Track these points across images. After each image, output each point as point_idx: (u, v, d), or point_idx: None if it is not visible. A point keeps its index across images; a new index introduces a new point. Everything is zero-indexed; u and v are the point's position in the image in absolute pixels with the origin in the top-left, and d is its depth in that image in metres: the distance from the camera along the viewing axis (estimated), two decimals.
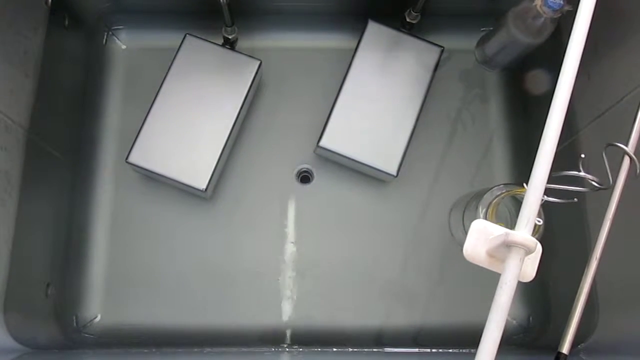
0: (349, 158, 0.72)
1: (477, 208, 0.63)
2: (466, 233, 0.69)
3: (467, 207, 0.69)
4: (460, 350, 0.67)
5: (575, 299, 0.40)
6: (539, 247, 0.40)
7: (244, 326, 0.73)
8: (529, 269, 0.41)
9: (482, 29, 0.81)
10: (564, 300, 0.70)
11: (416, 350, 0.69)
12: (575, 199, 0.44)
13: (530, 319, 0.74)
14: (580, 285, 0.39)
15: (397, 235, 0.76)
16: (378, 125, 0.73)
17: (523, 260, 0.37)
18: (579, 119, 0.67)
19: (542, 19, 0.63)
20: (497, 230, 0.41)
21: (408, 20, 0.76)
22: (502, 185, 0.64)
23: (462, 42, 0.81)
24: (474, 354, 0.36)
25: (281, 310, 0.74)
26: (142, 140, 0.71)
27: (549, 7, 0.61)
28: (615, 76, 0.61)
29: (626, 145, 0.42)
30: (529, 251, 0.37)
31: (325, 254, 0.76)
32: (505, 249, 0.38)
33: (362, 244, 0.76)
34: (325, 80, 0.78)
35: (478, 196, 0.65)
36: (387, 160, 0.72)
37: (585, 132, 0.66)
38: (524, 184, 0.54)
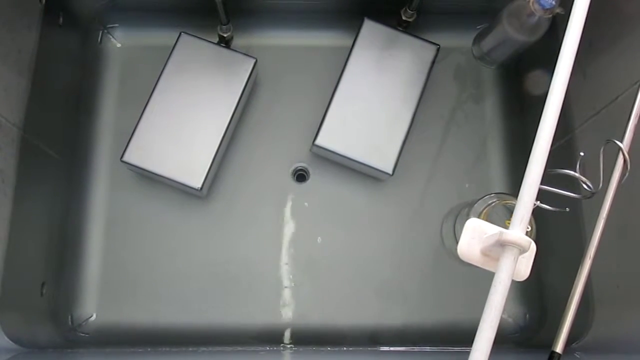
0: (344, 156, 0.72)
1: (468, 216, 0.64)
2: (457, 242, 0.69)
3: (459, 216, 0.69)
4: (455, 348, 0.67)
5: (569, 298, 0.40)
6: (533, 246, 0.39)
7: (239, 324, 0.73)
8: (523, 268, 0.41)
9: (478, 27, 0.81)
10: (561, 298, 0.70)
11: (411, 348, 0.69)
12: (567, 208, 0.44)
13: (527, 317, 0.74)
14: (574, 284, 0.39)
15: (393, 234, 0.76)
16: (374, 123, 0.73)
17: (517, 260, 0.37)
18: (574, 118, 0.67)
19: (537, 17, 0.63)
20: (492, 229, 0.41)
21: (404, 18, 0.76)
22: (493, 195, 0.65)
23: (458, 40, 0.81)
24: (469, 352, 0.36)
25: (277, 308, 0.74)
26: (137, 138, 0.71)
27: (540, 5, 0.61)
28: (611, 74, 0.61)
29: (621, 142, 0.42)
30: (522, 250, 0.37)
31: (321, 252, 0.76)
32: (500, 248, 0.38)
33: (358, 242, 0.76)
34: (321, 78, 0.78)
35: (470, 205, 0.66)
36: (383, 158, 0.72)
37: (580, 130, 0.66)
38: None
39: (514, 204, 0.38)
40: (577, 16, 0.41)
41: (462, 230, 0.67)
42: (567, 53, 0.39)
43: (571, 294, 0.40)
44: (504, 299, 0.36)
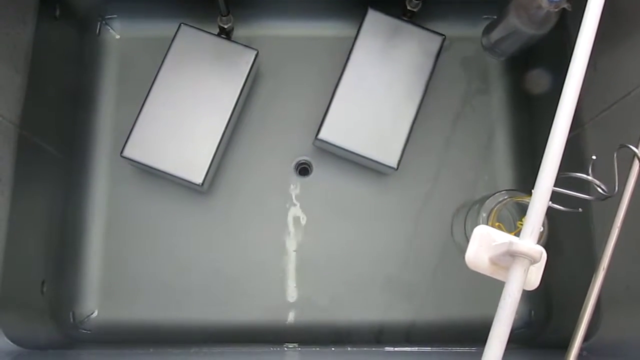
0: (348, 150, 0.71)
1: (479, 214, 0.62)
2: (467, 239, 0.68)
3: (469, 212, 0.68)
4: (464, 348, 0.67)
5: (581, 313, 0.38)
6: (544, 256, 0.38)
7: (241, 321, 0.73)
8: (534, 277, 0.39)
9: (484, 17, 0.79)
10: (566, 295, 0.70)
11: (416, 348, 0.68)
12: (580, 209, 0.43)
13: (532, 313, 0.73)
14: (586, 299, 0.38)
15: (398, 228, 0.75)
16: (378, 116, 0.71)
17: (527, 271, 0.36)
18: (584, 112, 0.65)
19: (545, 10, 0.61)
20: (501, 238, 0.39)
21: (409, 8, 0.74)
22: (504, 192, 0.64)
23: (464, 31, 0.79)
24: (475, 353, 0.34)
25: (280, 305, 0.73)
26: (136, 133, 0.70)
27: None
28: (623, 67, 0.59)
29: (637, 147, 0.40)
30: (534, 261, 0.36)
31: (325, 247, 0.75)
32: (509, 257, 0.37)
33: (362, 237, 0.75)
34: (324, 70, 0.76)
35: (481, 202, 0.64)
36: (388, 152, 0.71)
37: (590, 125, 0.64)
38: (532, 191, 0.53)
39: (525, 201, 0.36)
40: (592, 11, 0.40)
41: (472, 228, 0.66)
42: (579, 61, 0.37)
43: (583, 308, 0.38)
44: (514, 312, 0.35)
